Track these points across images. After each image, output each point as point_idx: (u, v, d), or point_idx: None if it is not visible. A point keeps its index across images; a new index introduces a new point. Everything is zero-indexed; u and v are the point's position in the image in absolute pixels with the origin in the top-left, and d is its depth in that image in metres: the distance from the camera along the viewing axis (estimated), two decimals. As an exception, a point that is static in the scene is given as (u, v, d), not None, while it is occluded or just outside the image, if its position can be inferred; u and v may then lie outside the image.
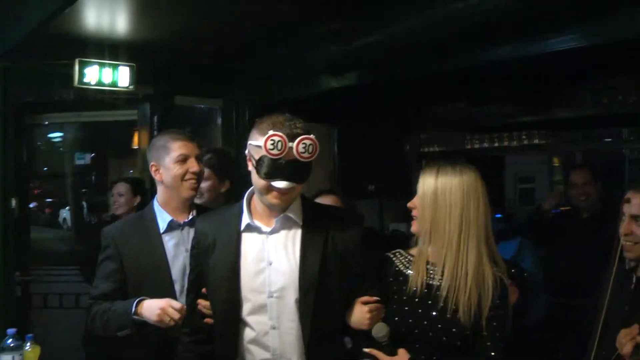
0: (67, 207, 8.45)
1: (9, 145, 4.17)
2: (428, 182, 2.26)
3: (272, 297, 2.19)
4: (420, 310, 2.27)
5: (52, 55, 4.12)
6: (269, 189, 2.15)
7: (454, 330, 2.20)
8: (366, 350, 2.26)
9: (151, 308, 2.27)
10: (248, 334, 2.23)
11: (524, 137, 5.06)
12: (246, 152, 2.23)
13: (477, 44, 3.42)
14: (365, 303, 2.24)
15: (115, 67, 4.29)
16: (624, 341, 2.19)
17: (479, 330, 2.20)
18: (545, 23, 3.12)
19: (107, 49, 4.27)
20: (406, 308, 2.30)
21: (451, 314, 2.21)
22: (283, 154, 2.08)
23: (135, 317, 2.30)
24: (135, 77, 4.36)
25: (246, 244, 2.24)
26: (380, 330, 2.22)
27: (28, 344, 2.81)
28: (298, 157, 2.10)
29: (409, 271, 2.35)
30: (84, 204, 7.86)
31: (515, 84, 4.61)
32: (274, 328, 2.20)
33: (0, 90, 4.07)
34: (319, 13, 3.97)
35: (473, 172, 2.29)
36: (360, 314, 2.24)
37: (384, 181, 5.62)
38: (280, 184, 2.11)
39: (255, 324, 2.22)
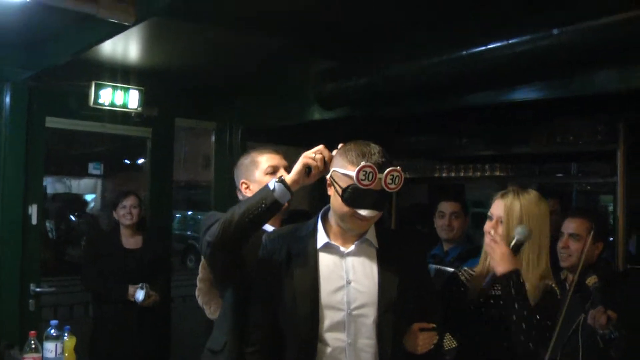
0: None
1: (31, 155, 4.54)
2: (514, 207, 2.46)
3: (350, 314, 2.23)
4: (476, 317, 2.51)
5: (71, 78, 4.56)
6: (352, 215, 2.19)
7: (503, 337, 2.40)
8: None
9: (296, 164, 2.30)
10: (324, 350, 2.24)
11: (486, 168, 5.50)
12: (327, 177, 2.28)
13: (449, 91, 3.92)
14: (422, 330, 2.30)
15: (126, 90, 4.74)
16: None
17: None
18: (510, 77, 3.61)
19: (119, 73, 4.70)
20: (464, 317, 2.53)
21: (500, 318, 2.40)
22: (373, 185, 2.13)
23: (277, 183, 2.26)
24: (144, 100, 4.82)
25: (323, 262, 2.27)
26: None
27: (66, 334, 3.08)
28: (385, 187, 2.15)
29: (469, 284, 2.60)
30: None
31: (482, 123, 5.13)
32: (350, 345, 2.23)
33: (26, 106, 4.50)
34: (311, 53, 4.45)
35: (542, 198, 2.53)
36: (414, 339, 2.29)
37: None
38: (365, 212, 2.15)
39: (331, 341, 2.23)
